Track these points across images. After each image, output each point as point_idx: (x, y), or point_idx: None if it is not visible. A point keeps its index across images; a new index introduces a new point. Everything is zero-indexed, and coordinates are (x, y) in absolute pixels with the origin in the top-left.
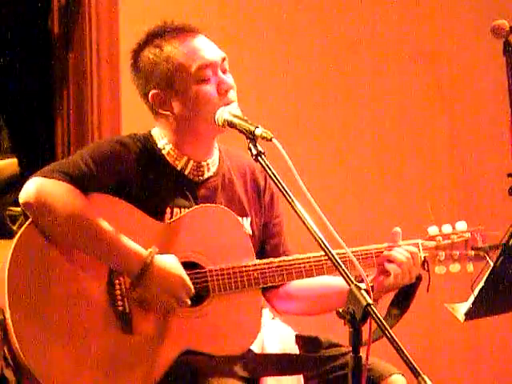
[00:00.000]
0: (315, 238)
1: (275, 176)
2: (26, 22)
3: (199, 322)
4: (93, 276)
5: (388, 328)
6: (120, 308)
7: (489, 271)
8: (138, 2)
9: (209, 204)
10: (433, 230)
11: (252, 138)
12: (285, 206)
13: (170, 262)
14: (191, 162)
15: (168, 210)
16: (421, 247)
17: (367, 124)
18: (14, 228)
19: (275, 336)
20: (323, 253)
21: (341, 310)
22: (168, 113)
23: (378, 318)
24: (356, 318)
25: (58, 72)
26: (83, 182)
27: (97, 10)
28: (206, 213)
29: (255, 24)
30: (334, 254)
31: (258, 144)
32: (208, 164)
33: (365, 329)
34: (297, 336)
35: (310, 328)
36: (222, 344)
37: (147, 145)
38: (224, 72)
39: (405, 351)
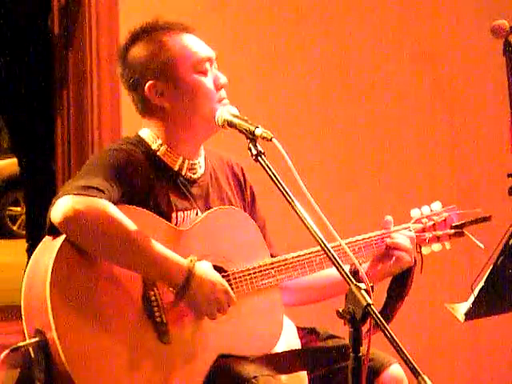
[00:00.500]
0: (315, 237)
1: (275, 176)
2: (26, 22)
3: (228, 326)
4: (128, 290)
5: (388, 328)
6: (158, 319)
7: (489, 271)
8: (138, 1)
9: (226, 206)
10: (415, 212)
11: (252, 138)
12: (285, 206)
13: (208, 270)
14: (186, 162)
15: (174, 215)
16: (413, 230)
17: (367, 124)
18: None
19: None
20: (329, 246)
21: (341, 310)
22: (164, 104)
23: (378, 318)
24: (356, 317)
25: (58, 72)
26: (110, 194)
27: (97, 10)
28: (221, 215)
29: (255, 24)
30: (334, 253)
31: (258, 144)
32: (199, 162)
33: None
34: (297, 328)
35: (310, 322)
36: (252, 345)
37: (142, 148)
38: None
39: (405, 351)
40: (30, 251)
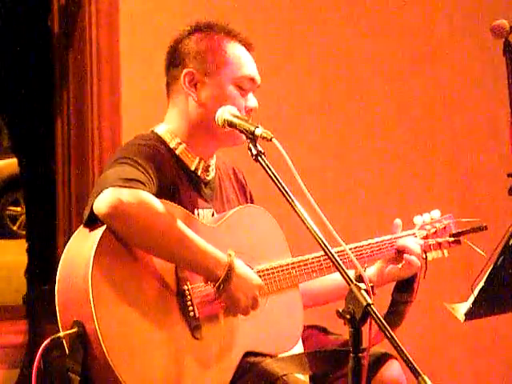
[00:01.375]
0: (315, 237)
1: (275, 176)
2: (26, 21)
3: (253, 323)
4: (162, 283)
5: (388, 328)
6: (191, 313)
7: (489, 271)
8: (138, 1)
9: (249, 204)
10: (418, 219)
11: (252, 138)
12: (285, 206)
13: (245, 266)
14: (202, 162)
15: (196, 212)
16: (418, 237)
17: (367, 124)
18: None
19: None
20: (341, 248)
21: (341, 310)
22: (191, 95)
23: (378, 318)
24: (356, 317)
25: (58, 72)
26: (150, 187)
27: (97, 10)
28: (247, 213)
29: (255, 23)
30: (334, 253)
31: (258, 144)
32: (212, 165)
33: (365, 328)
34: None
35: (310, 322)
36: (274, 343)
37: (162, 145)
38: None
39: (405, 351)
40: (30, 251)
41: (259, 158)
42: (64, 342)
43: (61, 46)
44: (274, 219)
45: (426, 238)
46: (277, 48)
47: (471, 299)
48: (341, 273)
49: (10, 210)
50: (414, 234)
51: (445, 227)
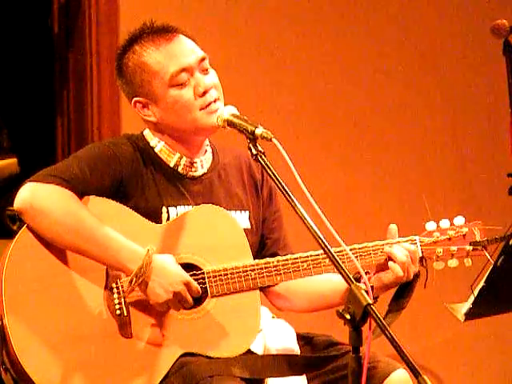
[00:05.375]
0: (315, 237)
1: (275, 176)
2: (27, 22)
3: (197, 324)
4: (90, 280)
5: (388, 328)
6: (118, 312)
7: (489, 271)
8: (138, 1)
9: (204, 204)
10: (431, 225)
11: (252, 137)
12: (285, 206)
13: (168, 262)
14: (184, 159)
15: (164, 210)
16: (418, 243)
17: (367, 124)
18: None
19: (277, 336)
20: (321, 251)
21: (341, 310)
22: (151, 118)
23: (378, 318)
24: (356, 318)
25: (58, 72)
26: (78, 185)
27: (97, 10)
28: (202, 213)
29: (255, 24)
30: (334, 253)
31: (258, 144)
32: (201, 161)
33: (365, 328)
34: (297, 335)
35: (311, 327)
36: (221, 346)
37: (140, 144)
38: (204, 72)
39: (405, 351)
40: None
41: (259, 157)
42: None
43: (61, 46)
44: (234, 220)
45: (431, 245)
46: (277, 48)
47: (471, 299)
48: (341, 273)
49: (10, 210)
50: (414, 240)
51: (464, 235)
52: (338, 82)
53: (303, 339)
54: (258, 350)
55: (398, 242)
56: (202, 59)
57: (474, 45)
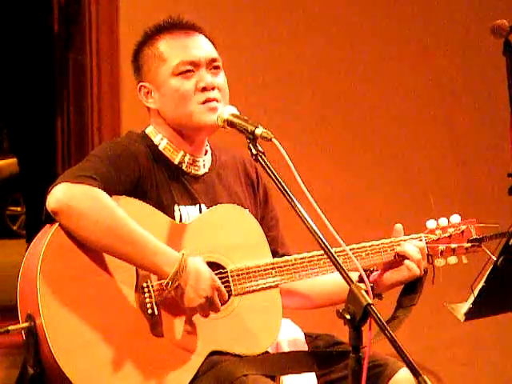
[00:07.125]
0: (315, 237)
1: (275, 176)
2: (27, 22)
3: (223, 323)
4: (121, 280)
5: (388, 328)
6: (150, 311)
7: (489, 271)
8: (138, 1)
9: (225, 203)
10: (431, 223)
11: (252, 137)
12: (285, 206)
13: (201, 266)
14: (187, 157)
15: (176, 208)
16: (424, 241)
17: (367, 123)
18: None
19: (286, 335)
20: (336, 249)
21: (341, 310)
22: (152, 105)
23: (378, 318)
24: (356, 317)
25: (58, 72)
26: (107, 184)
27: (97, 10)
28: (223, 212)
29: (255, 24)
30: (334, 253)
31: (258, 144)
32: (204, 160)
33: (365, 328)
34: (305, 335)
35: (312, 327)
36: (247, 343)
37: (145, 142)
38: (212, 71)
39: (405, 351)
40: None
41: (259, 157)
42: (23, 334)
43: (61, 46)
44: (254, 219)
45: (435, 242)
46: (277, 47)
47: (471, 299)
48: (341, 273)
49: (10, 210)
50: (419, 237)
51: (463, 232)
52: (339, 82)
53: (310, 338)
54: (270, 350)
55: (408, 239)
56: (214, 59)
57: (474, 45)
